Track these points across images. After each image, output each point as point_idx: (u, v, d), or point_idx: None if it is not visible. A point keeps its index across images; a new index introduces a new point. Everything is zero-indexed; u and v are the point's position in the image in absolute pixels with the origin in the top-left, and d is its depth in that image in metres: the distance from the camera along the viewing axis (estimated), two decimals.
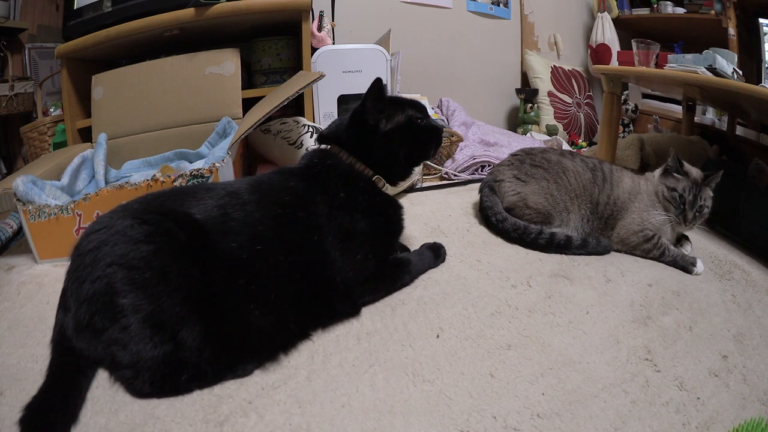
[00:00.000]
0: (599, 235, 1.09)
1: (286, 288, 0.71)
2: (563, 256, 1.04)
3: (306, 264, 0.74)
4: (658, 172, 1.09)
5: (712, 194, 1.03)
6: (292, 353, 0.72)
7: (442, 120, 1.96)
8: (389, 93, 1.62)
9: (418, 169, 0.93)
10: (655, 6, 2.25)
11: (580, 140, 2.32)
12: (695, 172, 1.04)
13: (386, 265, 0.87)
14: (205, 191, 0.75)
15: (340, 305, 0.79)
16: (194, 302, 0.63)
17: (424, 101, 2.02)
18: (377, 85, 0.82)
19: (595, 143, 2.03)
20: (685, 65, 1.43)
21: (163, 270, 0.62)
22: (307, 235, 0.75)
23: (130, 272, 0.61)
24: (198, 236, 0.67)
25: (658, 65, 1.67)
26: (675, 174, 1.04)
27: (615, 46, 2.41)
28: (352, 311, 0.81)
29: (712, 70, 1.34)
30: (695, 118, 2.03)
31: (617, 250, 1.07)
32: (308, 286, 0.74)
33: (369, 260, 0.80)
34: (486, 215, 1.17)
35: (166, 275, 0.62)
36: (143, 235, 0.63)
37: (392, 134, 0.85)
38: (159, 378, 0.62)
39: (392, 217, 0.88)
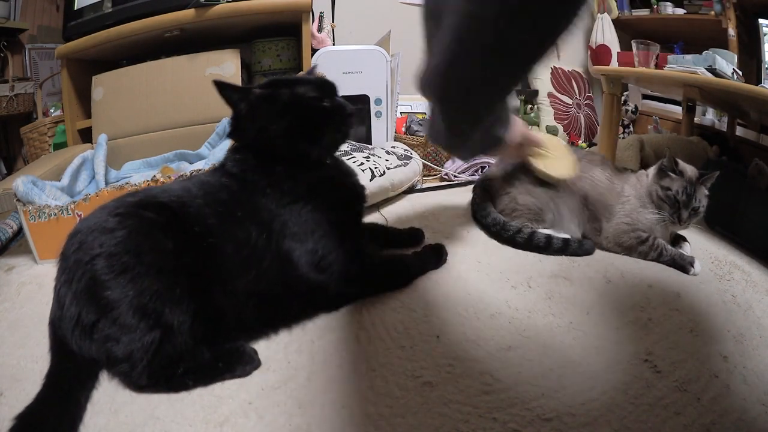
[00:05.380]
0: (593, 232, 1.09)
1: (251, 276, 0.72)
2: (563, 257, 1.04)
3: (261, 259, 0.73)
4: (652, 171, 1.08)
5: (707, 193, 1.03)
6: (280, 339, 0.72)
7: None
8: (389, 93, 1.62)
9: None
10: (655, 7, 2.25)
11: (580, 141, 2.32)
12: (690, 170, 1.04)
13: (357, 252, 0.81)
14: (166, 186, 0.78)
15: (318, 298, 0.79)
16: (171, 275, 0.65)
17: (424, 102, 2.02)
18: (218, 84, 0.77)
19: (595, 144, 2.03)
20: (684, 66, 1.43)
21: (138, 249, 0.64)
22: (253, 232, 0.73)
23: (109, 260, 0.62)
24: (166, 213, 0.70)
25: (658, 66, 1.67)
26: (670, 174, 1.04)
27: (615, 47, 2.40)
28: (328, 305, 0.81)
29: (712, 70, 1.35)
30: (695, 119, 2.03)
31: (614, 251, 1.07)
32: (272, 278, 0.73)
33: (320, 243, 0.76)
34: (473, 210, 1.22)
35: (141, 253, 0.64)
36: (116, 223, 0.65)
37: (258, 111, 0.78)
38: (155, 368, 0.62)
39: (332, 189, 0.82)
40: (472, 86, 0.51)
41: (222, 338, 0.70)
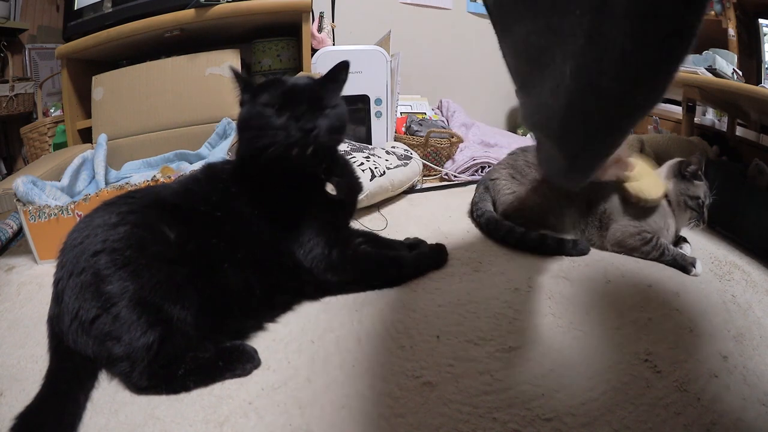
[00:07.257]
0: (596, 234, 1.09)
1: (251, 255, 0.76)
2: (563, 257, 1.04)
3: (257, 233, 0.78)
4: (668, 177, 1.07)
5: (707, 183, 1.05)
6: (274, 327, 0.73)
7: (442, 121, 1.96)
8: (389, 93, 1.63)
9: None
10: None
11: None
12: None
13: (336, 240, 0.84)
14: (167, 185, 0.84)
15: (308, 280, 0.82)
16: (174, 266, 0.66)
17: (424, 102, 2.02)
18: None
19: None
20: (684, 66, 1.43)
21: (141, 243, 0.65)
22: (247, 209, 0.79)
23: (112, 255, 0.63)
24: (168, 207, 0.73)
25: None
26: (695, 181, 1.04)
27: None
28: (317, 288, 0.84)
29: (712, 70, 1.35)
30: (695, 119, 2.03)
31: (615, 252, 1.07)
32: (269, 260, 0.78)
33: (299, 231, 0.81)
34: (471, 210, 1.23)
35: (143, 247, 0.65)
36: (118, 219, 0.67)
37: None
38: (156, 369, 0.63)
39: (312, 189, 0.85)
40: (597, 133, 0.45)
41: (230, 323, 0.72)
